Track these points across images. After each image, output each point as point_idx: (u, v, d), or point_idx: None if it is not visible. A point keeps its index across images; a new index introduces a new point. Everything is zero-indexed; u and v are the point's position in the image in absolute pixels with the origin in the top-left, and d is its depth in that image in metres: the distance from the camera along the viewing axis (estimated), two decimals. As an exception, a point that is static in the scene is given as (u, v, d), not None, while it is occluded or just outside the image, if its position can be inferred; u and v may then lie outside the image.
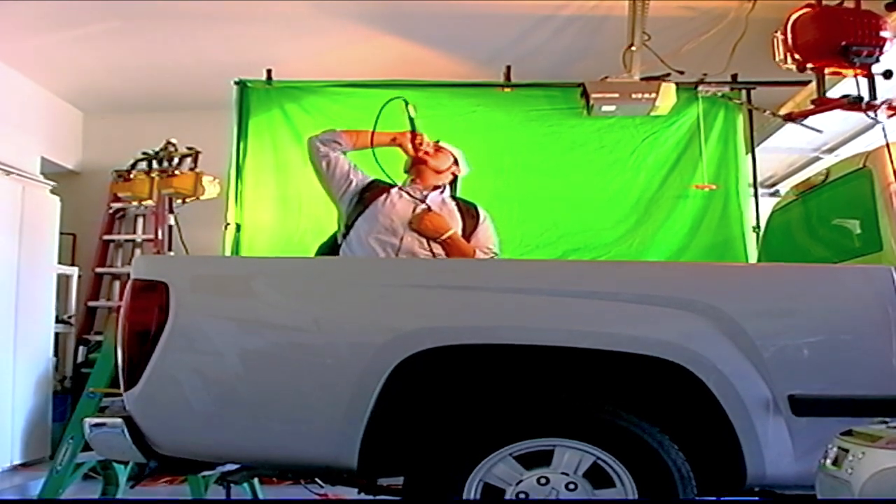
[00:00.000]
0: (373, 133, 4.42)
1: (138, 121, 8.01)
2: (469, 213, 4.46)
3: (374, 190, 4.36)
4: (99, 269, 8.00)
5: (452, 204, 4.46)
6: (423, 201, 4.32)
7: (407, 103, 4.55)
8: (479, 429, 2.96)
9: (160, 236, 7.58)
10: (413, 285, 3.15)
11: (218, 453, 3.19)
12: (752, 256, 6.25)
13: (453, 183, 4.61)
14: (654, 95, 5.93)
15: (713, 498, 3.41)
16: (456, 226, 4.33)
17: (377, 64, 6.85)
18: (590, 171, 6.63)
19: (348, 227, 4.30)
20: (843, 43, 4.66)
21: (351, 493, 3.59)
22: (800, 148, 7.57)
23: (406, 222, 4.23)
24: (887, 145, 3.76)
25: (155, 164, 7.60)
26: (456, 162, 4.58)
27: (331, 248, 4.45)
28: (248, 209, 6.62)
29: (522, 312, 3.06)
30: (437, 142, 4.58)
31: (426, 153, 4.46)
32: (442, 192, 4.49)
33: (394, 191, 4.36)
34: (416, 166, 4.46)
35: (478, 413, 2.99)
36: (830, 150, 7.46)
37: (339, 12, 6.31)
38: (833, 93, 5.16)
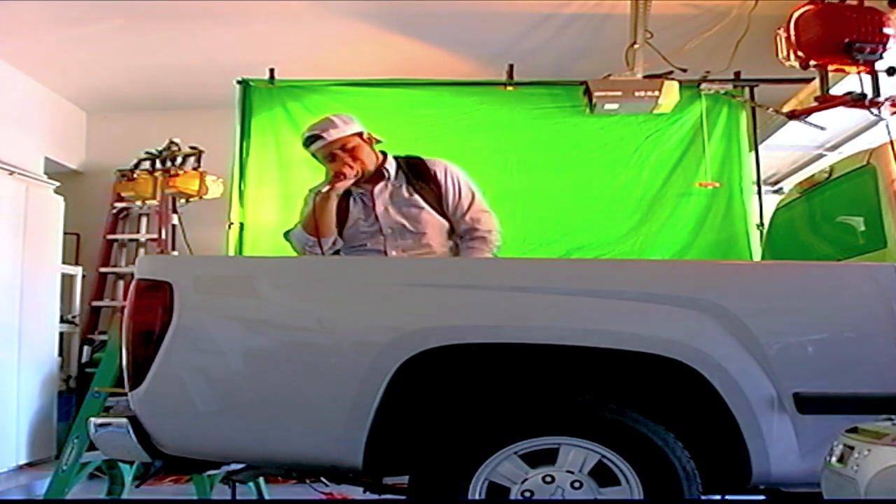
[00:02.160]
0: (322, 210, 4.06)
1: (141, 120, 8.02)
2: (424, 180, 4.17)
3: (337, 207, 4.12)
4: (103, 269, 8.03)
5: (403, 185, 4.16)
6: (373, 208, 4.11)
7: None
8: (483, 427, 2.96)
9: (164, 236, 7.58)
10: (417, 284, 3.15)
11: (223, 452, 3.19)
12: (756, 254, 6.25)
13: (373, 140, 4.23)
14: (656, 93, 5.93)
15: (718, 496, 3.41)
16: (417, 209, 4.11)
17: (380, 63, 6.85)
18: (593, 169, 6.64)
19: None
20: (847, 40, 4.65)
21: (356, 491, 3.59)
22: (803, 145, 7.56)
23: (376, 232, 4.09)
24: (891, 142, 3.75)
25: (158, 164, 7.61)
26: (361, 135, 4.15)
27: None
28: (251, 208, 6.63)
29: (526, 311, 3.06)
30: (335, 142, 4.11)
31: (361, 168, 4.09)
32: (386, 178, 4.16)
33: (350, 205, 4.14)
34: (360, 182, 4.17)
35: (483, 412, 2.99)
36: (834, 148, 7.45)
37: (341, 11, 6.31)
38: (836, 90, 5.16)
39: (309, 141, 4.17)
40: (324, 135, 4.11)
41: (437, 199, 4.15)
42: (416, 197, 4.14)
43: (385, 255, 4.05)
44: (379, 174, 4.17)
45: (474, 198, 4.21)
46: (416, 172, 4.21)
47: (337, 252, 4.18)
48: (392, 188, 4.17)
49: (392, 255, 4.05)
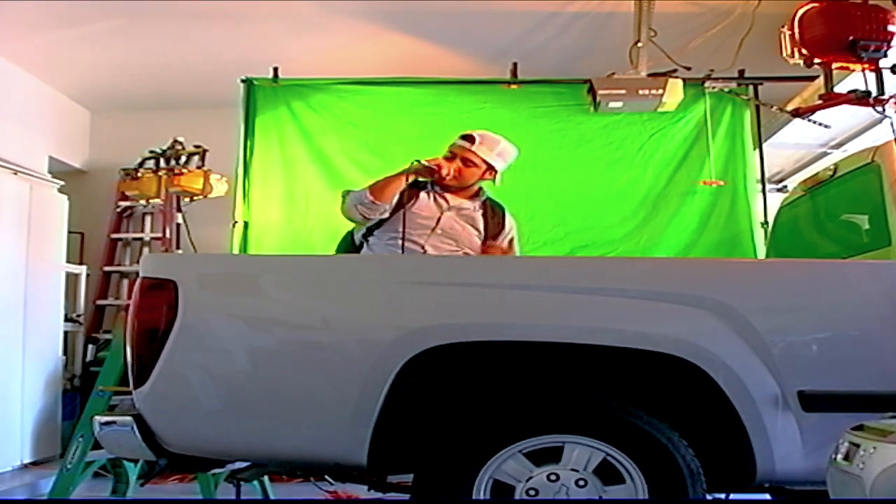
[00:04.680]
0: (394, 180, 4.17)
1: (145, 119, 8.02)
2: (494, 220, 4.42)
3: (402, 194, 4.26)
4: (107, 268, 8.02)
5: (478, 211, 4.39)
6: (443, 211, 4.29)
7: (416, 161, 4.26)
8: (488, 426, 2.96)
9: (168, 234, 7.60)
10: (421, 282, 3.16)
11: (227, 451, 3.19)
12: (761, 252, 6.25)
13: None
14: (661, 91, 5.92)
15: (722, 495, 3.41)
16: (477, 232, 4.33)
17: (383, 61, 6.85)
18: (597, 167, 6.64)
19: (370, 230, 4.28)
20: (851, 38, 4.66)
21: (361, 490, 3.59)
22: (807, 143, 7.57)
23: (429, 228, 4.22)
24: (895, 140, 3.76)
25: (162, 163, 7.61)
26: (489, 168, 4.36)
27: (348, 247, 4.43)
28: (255, 207, 6.65)
29: (531, 309, 3.05)
30: (467, 151, 4.31)
31: (450, 178, 4.27)
32: (472, 200, 4.40)
33: (423, 194, 4.31)
34: (443, 185, 4.35)
35: (487, 410, 2.99)
36: (838, 146, 7.46)
37: (345, 10, 6.31)
38: (841, 88, 5.16)
39: (463, 136, 4.36)
40: (474, 142, 4.31)
41: (494, 231, 4.39)
42: (480, 224, 4.36)
43: (423, 249, 4.15)
44: (470, 194, 4.40)
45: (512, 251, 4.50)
46: (494, 210, 4.45)
47: (380, 224, 4.25)
48: (469, 210, 4.36)
49: (430, 250, 4.16)
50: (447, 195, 4.34)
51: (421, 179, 4.30)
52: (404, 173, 4.17)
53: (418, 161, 4.20)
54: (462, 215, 4.33)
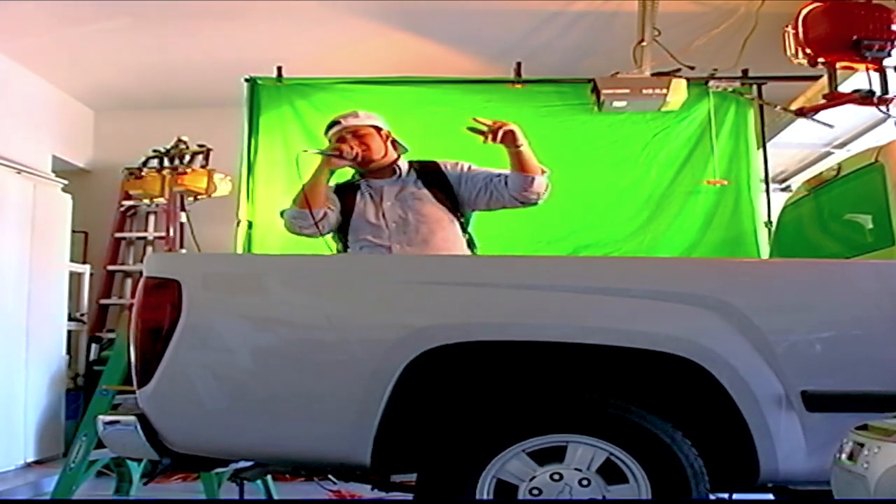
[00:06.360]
0: (313, 183, 4.09)
1: (149, 118, 8.02)
2: (435, 177, 4.21)
3: (343, 198, 4.20)
4: (111, 267, 8.02)
5: (413, 182, 4.19)
6: (380, 202, 4.14)
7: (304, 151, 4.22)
8: (491, 425, 2.95)
9: (172, 234, 7.59)
10: (425, 282, 3.15)
11: (231, 450, 3.19)
12: (764, 252, 6.25)
13: (395, 143, 4.28)
14: (664, 91, 5.92)
15: (726, 494, 3.41)
16: (430, 201, 4.15)
17: (387, 60, 6.86)
18: (601, 166, 6.64)
19: (343, 244, 4.22)
20: (855, 37, 4.65)
21: (364, 489, 3.59)
22: (811, 143, 7.58)
23: (382, 227, 4.09)
24: (900, 139, 3.76)
25: (166, 162, 7.61)
26: (379, 129, 4.23)
27: None
28: (259, 206, 6.65)
29: (534, 309, 3.05)
30: (348, 128, 4.20)
31: (362, 152, 4.12)
32: (396, 175, 4.20)
33: (357, 197, 4.18)
34: (365, 167, 4.21)
35: (490, 409, 2.99)
36: (842, 145, 7.47)
37: (348, 9, 6.32)
38: (845, 87, 5.16)
39: (328, 127, 4.27)
40: (342, 121, 4.22)
41: (447, 194, 4.18)
42: (424, 191, 4.17)
43: (389, 249, 4.04)
44: (390, 170, 4.22)
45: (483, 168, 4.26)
46: (429, 172, 4.25)
47: (342, 232, 4.18)
48: (402, 185, 4.19)
49: (395, 248, 4.04)
50: (373, 185, 4.18)
51: (346, 175, 4.27)
52: (318, 171, 4.08)
53: (306, 150, 4.19)
54: (401, 198, 4.15)
